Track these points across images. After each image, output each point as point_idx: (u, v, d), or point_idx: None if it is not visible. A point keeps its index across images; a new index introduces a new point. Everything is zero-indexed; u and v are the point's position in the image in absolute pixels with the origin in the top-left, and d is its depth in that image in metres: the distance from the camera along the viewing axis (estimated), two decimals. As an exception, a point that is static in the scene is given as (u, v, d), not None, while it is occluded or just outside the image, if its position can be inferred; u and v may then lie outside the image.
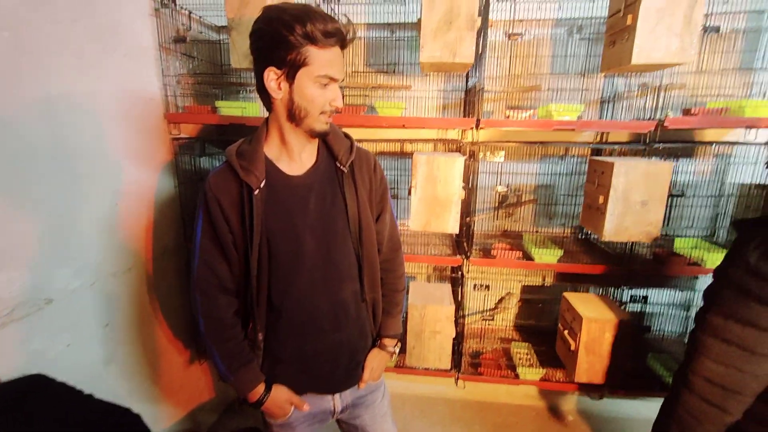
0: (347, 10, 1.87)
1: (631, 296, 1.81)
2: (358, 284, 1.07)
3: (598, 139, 2.02)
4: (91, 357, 1.44)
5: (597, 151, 2.02)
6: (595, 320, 1.58)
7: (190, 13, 1.80)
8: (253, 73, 0.94)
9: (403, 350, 1.79)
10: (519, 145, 1.92)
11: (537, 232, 2.17)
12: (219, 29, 2.01)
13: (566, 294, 1.79)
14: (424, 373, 1.86)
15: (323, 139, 1.02)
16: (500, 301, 2.24)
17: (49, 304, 1.27)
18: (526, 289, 2.23)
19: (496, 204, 2.15)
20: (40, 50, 1.20)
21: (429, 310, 1.66)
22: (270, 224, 0.95)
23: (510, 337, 2.20)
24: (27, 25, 1.16)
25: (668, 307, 1.99)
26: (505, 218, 2.19)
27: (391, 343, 1.17)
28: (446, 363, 1.76)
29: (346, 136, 1.06)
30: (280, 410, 1.05)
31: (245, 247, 0.96)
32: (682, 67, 1.74)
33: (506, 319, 2.25)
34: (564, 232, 2.13)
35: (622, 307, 1.77)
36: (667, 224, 1.84)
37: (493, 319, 2.13)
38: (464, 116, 2.05)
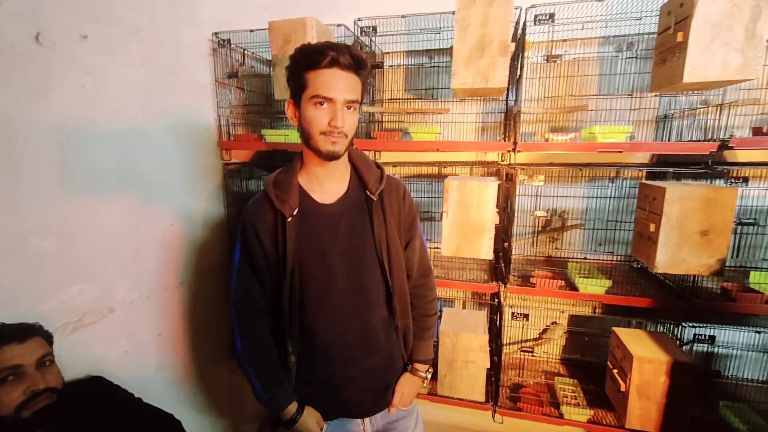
0: (385, 40, 1.94)
1: (696, 335, 1.61)
2: (387, 311, 1.08)
3: (654, 160, 1.87)
4: (145, 363, 1.57)
5: (654, 174, 1.86)
6: (648, 360, 1.43)
7: (244, 50, 1.98)
8: None
9: (434, 377, 1.75)
10: (564, 168, 1.83)
11: (585, 259, 2.03)
12: (269, 63, 2.17)
13: (616, 329, 1.64)
14: (459, 403, 1.79)
15: (355, 168, 1.06)
16: (544, 331, 2.11)
17: (111, 313, 1.42)
18: (573, 320, 2.08)
19: (538, 229, 2.05)
20: (114, 91, 1.39)
21: (461, 338, 1.61)
22: (302, 250, 0.99)
23: (555, 370, 2.05)
24: (104, 71, 1.35)
25: (745, 350, 1.74)
26: (549, 244, 2.08)
27: (422, 368, 1.16)
28: (480, 395, 1.68)
29: (377, 165, 1.09)
30: (312, 430, 1.06)
31: (278, 271, 1.01)
32: (753, 82, 1.57)
33: (550, 351, 2.11)
34: (616, 261, 1.97)
35: (684, 347, 1.59)
36: (737, 255, 1.63)
37: (532, 351, 2.00)
38: (504, 139, 2.01)
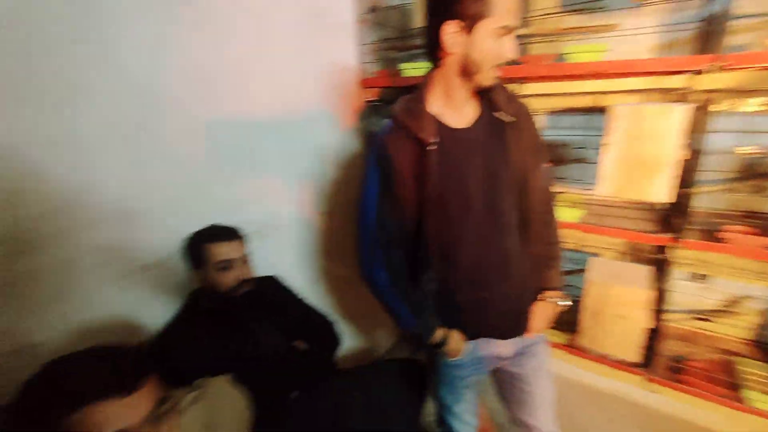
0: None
1: None
2: (521, 237, 1.07)
3: None
4: (305, 274, 1.86)
5: None
6: None
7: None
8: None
9: (574, 329, 1.62)
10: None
11: (810, 216, 1.49)
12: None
13: None
14: (601, 360, 1.61)
15: (482, 91, 1.01)
16: (733, 302, 1.69)
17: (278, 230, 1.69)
18: (778, 294, 1.60)
19: (739, 174, 1.58)
20: (274, 34, 1.54)
21: (613, 290, 1.41)
22: (442, 179, 0.99)
23: (739, 351, 1.65)
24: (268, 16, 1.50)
25: None
26: (754, 195, 1.59)
27: (553, 295, 1.17)
28: (631, 354, 1.47)
29: (503, 85, 1.04)
30: (458, 350, 1.11)
31: (419, 202, 1.02)
32: None
33: (737, 326, 1.69)
34: None
35: None
36: None
37: (708, 320, 1.63)
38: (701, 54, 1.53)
